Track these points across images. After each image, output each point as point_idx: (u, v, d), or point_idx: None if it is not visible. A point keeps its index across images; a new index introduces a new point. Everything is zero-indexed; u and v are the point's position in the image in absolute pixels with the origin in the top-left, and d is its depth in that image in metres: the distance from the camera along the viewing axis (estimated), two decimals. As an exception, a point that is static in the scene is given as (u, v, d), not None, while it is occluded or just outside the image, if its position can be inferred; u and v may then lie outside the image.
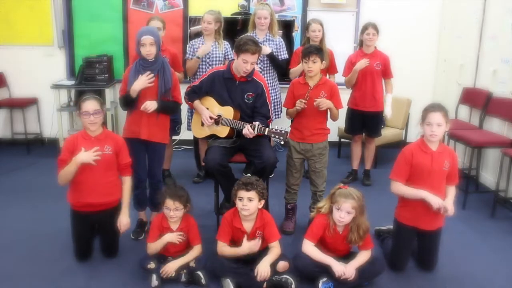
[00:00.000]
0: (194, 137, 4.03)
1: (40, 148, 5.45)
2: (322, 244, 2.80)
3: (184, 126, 4.43)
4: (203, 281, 2.70)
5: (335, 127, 4.72)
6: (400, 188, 2.84)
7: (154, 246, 2.82)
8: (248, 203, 2.71)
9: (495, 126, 4.29)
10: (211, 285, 2.72)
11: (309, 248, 2.75)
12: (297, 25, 5.29)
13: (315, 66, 3.22)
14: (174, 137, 4.41)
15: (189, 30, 5.22)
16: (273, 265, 2.72)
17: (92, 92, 3.63)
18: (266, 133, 3.10)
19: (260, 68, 4.22)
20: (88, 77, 4.99)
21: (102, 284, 2.74)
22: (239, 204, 2.74)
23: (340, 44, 5.02)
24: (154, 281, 2.68)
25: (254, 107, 3.29)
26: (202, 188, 4.19)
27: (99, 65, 4.99)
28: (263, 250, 2.79)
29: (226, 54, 4.18)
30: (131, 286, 2.73)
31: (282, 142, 3.14)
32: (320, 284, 2.65)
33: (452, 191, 2.85)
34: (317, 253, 2.72)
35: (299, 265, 2.75)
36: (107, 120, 4.94)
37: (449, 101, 4.75)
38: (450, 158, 2.80)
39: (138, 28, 3.13)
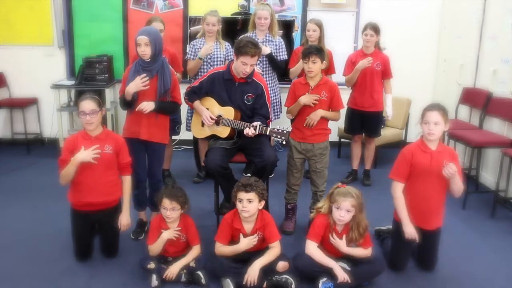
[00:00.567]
0: (194, 137, 4.03)
1: (40, 148, 5.45)
2: (322, 244, 2.80)
3: (183, 126, 4.42)
4: (203, 281, 2.70)
5: (335, 127, 4.72)
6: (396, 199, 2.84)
7: (155, 247, 2.82)
8: (248, 204, 2.71)
9: (495, 126, 4.29)
10: (211, 285, 2.72)
11: (313, 250, 2.75)
12: (297, 25, 5.29)
13: (315, 66, 3.22)
14: (174, 137, 4.41)
15: (189, 30, 5.22)
16: (271, 266, 2.72)
17: (92, 92, 3.61)
18: (267, 133, 3.09)
19: (260, 68, 4.21)
20: (88, 77, 4.99)
21: (102, 284, 2.74)
22: (239, 205, 2.73)
23: (340, 44, 5.03)
24: (154, 281, 2.68)
25: (253, 108, 3.29)
26: (202, 188, 4.19)
27: (99, 65, 4.98)
28: (264, 250, 2.79)
29: (227, 55, 4.17)
30: (131, 286, 2.73)
31: (284, 142, 3.14)
32: (320, 284, 2.65)
33: None
34: (320, 256, 2.73)
35: (299, 265, 2.75)
36: (107, 120, 4.94)
37: (449, 101, 4.75)
38: (451, 158, 2.79)
39: (138, 28, 3.13)
